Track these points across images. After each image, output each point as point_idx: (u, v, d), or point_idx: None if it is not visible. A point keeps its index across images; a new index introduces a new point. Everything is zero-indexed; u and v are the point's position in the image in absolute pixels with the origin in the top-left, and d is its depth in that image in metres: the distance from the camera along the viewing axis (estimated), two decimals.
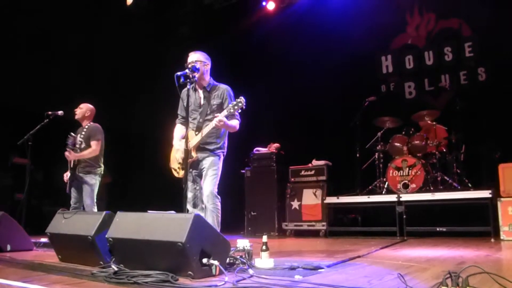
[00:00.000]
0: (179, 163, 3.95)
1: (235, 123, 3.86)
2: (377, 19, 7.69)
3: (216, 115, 3.73)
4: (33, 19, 7.26)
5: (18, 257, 3.85)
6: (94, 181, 5.02)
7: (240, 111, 3.77)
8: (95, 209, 5.02)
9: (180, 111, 4.14)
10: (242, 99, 3.68)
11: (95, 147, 5.01)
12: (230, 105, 3.71)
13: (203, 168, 3.88)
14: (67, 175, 5.08)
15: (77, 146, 5.07)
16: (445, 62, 7.57)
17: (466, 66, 7.35)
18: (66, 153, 4.95)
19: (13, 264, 3.51)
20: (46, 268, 3.21)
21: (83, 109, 5.22)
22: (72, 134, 5.10)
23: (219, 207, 3.81)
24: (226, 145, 4.05)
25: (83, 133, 5.11)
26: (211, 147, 3.90)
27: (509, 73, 6.74)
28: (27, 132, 5.47)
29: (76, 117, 5.24)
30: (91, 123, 5.24)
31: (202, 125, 3.87)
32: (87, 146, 5.05)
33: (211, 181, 3.81)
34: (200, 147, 3.88)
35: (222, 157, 3.98)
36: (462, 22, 7.46)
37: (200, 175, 3.93)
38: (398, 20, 7.95)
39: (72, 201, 5.09)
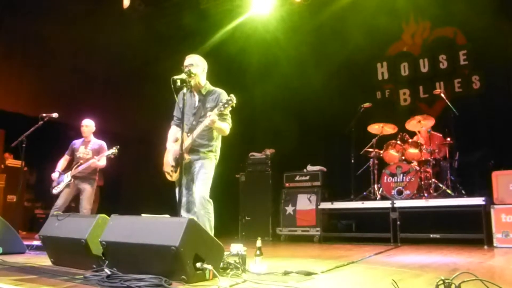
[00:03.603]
0: (172, 166, 3.93)
1: (224, 125, 3.84)
2: (374, 26, 7.73)
3: (208, 114, 3.72)
4: (28, 21, 7.24)
5: (10, 260, 3.81)
6: (93, 186, 5.71)
7: (230, 109, 3.76)
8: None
9: (176, 113, 4.13)
10: (232, 97, 3.66)
11: (105, 161, 5.76)
12: (221, 103, 3.69)
13: (195, 171, 3.86)
14: (56, 176, 5.66)
15: (84, 155, 5.74)
16: (440, 70, 7.62)
17: (460, 74, 7.41)
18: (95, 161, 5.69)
19: (5, 267, 3.47)
20: (38, 271, 3.17)
21: (90, 127, 5.91)
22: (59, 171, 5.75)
23: (211, 212, 3.76)
24: (219, 148, 4.02)
25: (90, 145, 5.82)
26: (203, 149, 3.88)
27: (502, 81, 6.80)
28: (21, 134, 5.45)
29: (85, 134, 5.89)
30: (95, 138, 5.95)
31: (196, 127, 3.86)
32: (92, 156, 5.75)
33: (202, 185, 3.77)
34: (192, 149, 3.87)
35: (214, 160, 3.94)
36: (457, 31, 7.52)
37: (192, 179, 3.90)
38: (394, 28, 8.00)
39: (60, 202, 5.51)
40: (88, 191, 5.61)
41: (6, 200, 7.56)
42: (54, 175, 5.66)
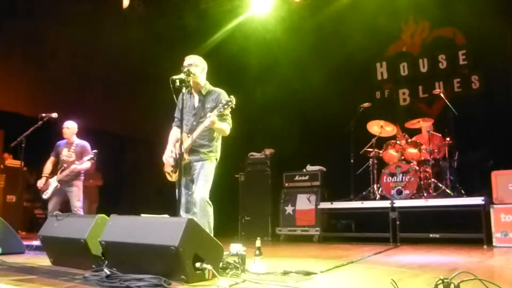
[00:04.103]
0: (172, 166, 3.94)
1: (224, 126, 3.85)
2: (373, 26, 7.73)
3: (208, 115, 3.73)
4: (28, 22, 7.24)
5: (9, 260, 3.81)
6: (79, 186, 5.67)
7: (230, 110, 3.77)
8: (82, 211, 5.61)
9: (177, 114, 4.13)
10: (232, 98, 3.68)
11: (89, 164, 5.68)
12: (220, 104, 3.70)
13: (195, 172, 3.87)
14: (42, 183, 5.61)
15: (67, 158, 5.64)
16: (439, 69, 7.62)
17: (459, 74, 7.41)
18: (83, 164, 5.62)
19: (4, 267, 3.47)
20: (38, 272, 3.18)
21: (71, 129, 5.78)
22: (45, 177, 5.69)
23: (211, 214, 3.76)
24: (219, 149, 4.02)
25: (73, 148, 5.71)
26: (203, 150, 3.88)
27: (501, 81, 6.81)
28: (20, 134, 5.46)
29: (66, 136, 5.77)
30: (79, 139, 5.82)
31: (196, 128, 3.87)
32: (77, 159, 5.64)
33: (202, 187, 3.77)
34: (192, 150, 3.87)
35: (214, 161, 3.95)
36: (456, 31, 7.53)
37: (192, 180, 3.90)
38: (393, 28, 8.00)
39: (50, 207, 5.55)
40: (74, 191, 5.59)
41: (6, 200, 7.56)
42: (40, 182, 5.62)
